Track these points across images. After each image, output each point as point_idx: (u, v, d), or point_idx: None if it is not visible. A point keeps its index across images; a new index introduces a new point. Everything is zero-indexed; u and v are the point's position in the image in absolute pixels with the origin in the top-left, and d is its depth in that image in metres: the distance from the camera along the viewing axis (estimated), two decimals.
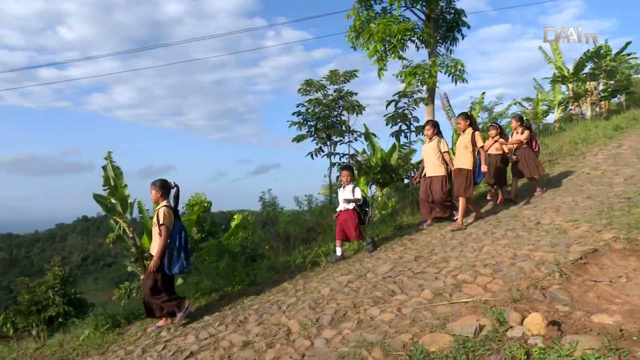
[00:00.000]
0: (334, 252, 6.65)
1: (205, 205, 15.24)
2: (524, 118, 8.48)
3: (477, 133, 6.84)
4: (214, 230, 15.13)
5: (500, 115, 17.02)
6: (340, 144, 11.37)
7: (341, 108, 11.26)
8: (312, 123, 11.07)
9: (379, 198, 11.63)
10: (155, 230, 4.97)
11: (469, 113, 7.17)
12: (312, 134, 11.10)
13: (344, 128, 11.21)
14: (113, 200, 12.37)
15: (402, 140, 11.17)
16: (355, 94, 11.18)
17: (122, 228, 13.13)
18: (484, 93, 16.16)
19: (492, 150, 8.16)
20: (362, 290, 4.55)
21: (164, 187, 5.10)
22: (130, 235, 13.28)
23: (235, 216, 13.74)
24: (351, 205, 6.47)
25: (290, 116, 11.15)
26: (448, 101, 16.82)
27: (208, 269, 7.41)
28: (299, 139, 10.94)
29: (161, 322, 5.06)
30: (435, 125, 7.47)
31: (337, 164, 11.24)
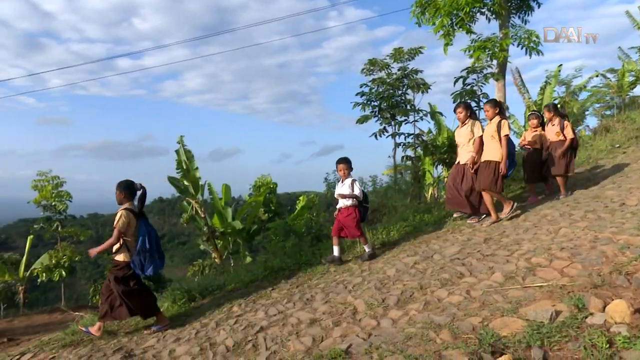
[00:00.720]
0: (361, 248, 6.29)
1: (271, 186, 15.65)
2: (559, 105, 7.77)
3: (504, 121, 6.23)
4: (279, 211, 15.52)
5: (579, 90, 15.84)
6: (404, 124, 11.13)
7: (405, 87, 10.98)
8: (375, 103, 10.90)
9: (445, 179, 11.32)
10: None
11: (497, 100, 6.71)
12: (376, 114, 10.94)
13: (408, 107, 10.94)
14: (186, 183, 13.05)
15: None
16: (420, 71, 10.85)
17: (194, 209, 13.84)
18: (560, 65, 15.09)
19: (533, 143, 7.40)
20: (428, 272, 4.48)
21: (128, 189, 5.01)
22: (202, 216, 13.97)
23: (301, 197, 13.99)
24: (350, 202, 5.99)
25: (354, 97, 11.05)
26: (520, 76, 15.88)
27: (275, 248, 7.64)
28: (362, 119, 10.84)
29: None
30: (467, 107, 6.84)
31: (401, 144, 11.04)
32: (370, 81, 11.01)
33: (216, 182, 14.87)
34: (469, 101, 7.00)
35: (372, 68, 11.14)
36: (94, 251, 5.01)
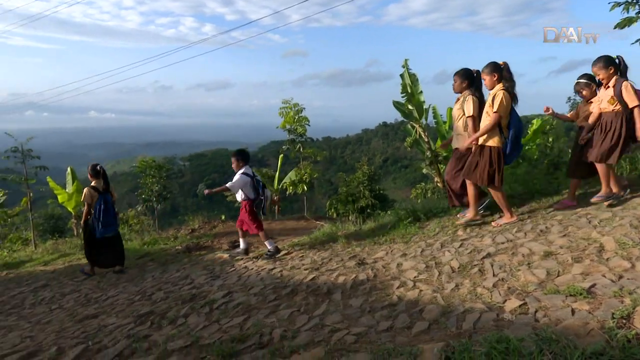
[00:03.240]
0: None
1: None
2: (615, 58, 4.67)
3: (502, 92, 4.71)
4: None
5: None
6: None
7: None
8: None
9: None
10: None
11: (499, 63, 4.83)
12: None
13: None
14: (410, 107, 13.14)
15: None
16: None
17: (418, 133, 13.95)
18: None
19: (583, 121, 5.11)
20: None
21: (93, 170, 6.79)
22: (425, 140, 14.00)
23: (534, 121, 12.59)
24: (239, 196, 5.87)
25: None
26: None
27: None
28: (624, 23, 8.79)
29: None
30: (464, 74, 5.27)
31: None
32: None
33: (441, 106, 14.53)
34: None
35: None
36: (82, 223, 7.03)
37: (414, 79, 13.19)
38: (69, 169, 16.81)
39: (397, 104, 13.59)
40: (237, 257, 6.05)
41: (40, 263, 9.47)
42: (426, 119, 13.81)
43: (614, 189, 4.72)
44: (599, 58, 4.71)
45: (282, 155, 17.59)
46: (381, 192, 15.98)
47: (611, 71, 4.65)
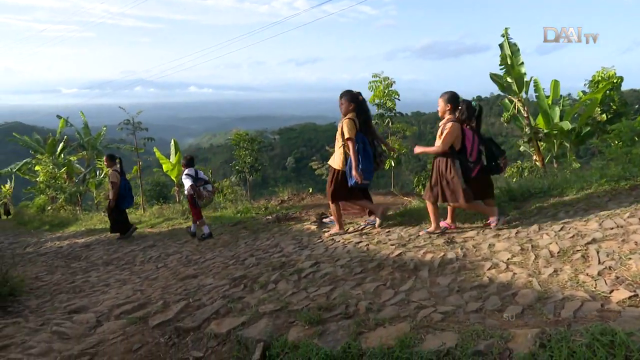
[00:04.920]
0: None
1: (614, 81, 13.04)
2: (458, 97, 4.77)
3: (345, 120, 5.23)
4: (623, 110, 12.96)
5: None
6: None
7: None
8: None
9: None
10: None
11: (352, 91, 5.40)
12: None
13: None
14: (509, 79, 12.32)
15: None
16: None
17: (516, 107, 13.07)
18: None
19: None
20: None
21: (111, 159, 8.97)
22: (525, 115, 13.09)
23: None
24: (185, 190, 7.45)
25: None
26: None
27: (615, 154, 6.49)
28: None
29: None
30: (344, 95, 5.36)
31: None
32: None
33: (543, 78, 13.42)
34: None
35: None
36: (112, 202, 8.75)
37: (514, 49, 12.30)
38: (172, 141, 18.18)
39: (494, 77, 12.81)
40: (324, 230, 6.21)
41: (148, 225, 10.45)
42: (526, 92, 12.87)
43: None
44: (446, 92, 4.83)
45: None
46: None
47: (448, 108, 4.75)
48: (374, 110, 16.97)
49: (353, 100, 5.30)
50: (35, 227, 14.29)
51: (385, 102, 16.85)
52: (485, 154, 4.87)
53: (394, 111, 17.14)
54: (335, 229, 5.64)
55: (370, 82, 16.91)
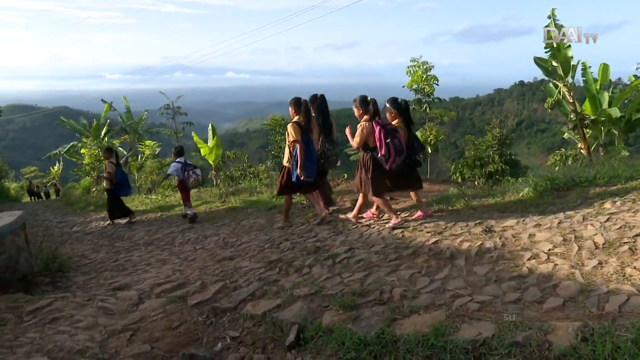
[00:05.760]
0: None
1: None
2: (368, 98, 5.25)
3: (289, 125, 5.69)
4: None
5: None
6: None
7: None
8: None
9: None
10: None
11: (299, 99, 5.86)
12: None
13: None
14: (554, 63, 11.81)
15: None
16: None
17: (561, 92, 12.54)
18: None
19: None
20: None
21: (108, 152, 9.66)
22: (570, 101, 12.56)
23: None
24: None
25: None
26: None
27: None
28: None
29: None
30: (290, 102, 5.95)
31: None
32: None
33: (592, 62, 12.77)
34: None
35: None
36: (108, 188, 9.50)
37: (561, 31, 11.72)
38: (210, 125, 18.49)
39: (538, 61, 12.31)
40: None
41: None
42: (573, 76, 12.31)
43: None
44: (355, 98, 5.41)
45: None
46: (512, 157, 14.85)
47: (360, 111, 5.31)
48: (411, 95, 16.66)
49: (296, 105, 5.83)
50: (81, 208, 14.93)
51: (424, 87, 16.52)
52: (409, 148, 5.29)
53: (431, 96, 16.79)
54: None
55: (407, 67, 16.59)
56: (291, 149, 5.71)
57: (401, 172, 5.27)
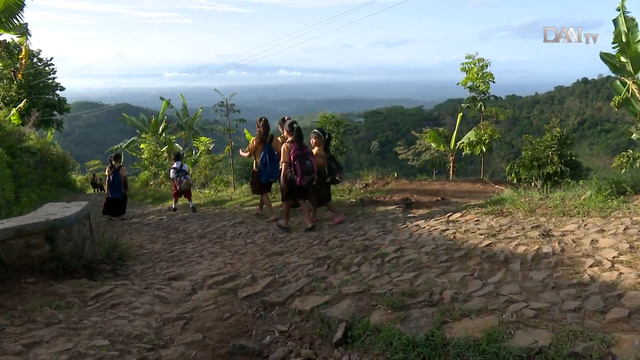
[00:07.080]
0: None
1: None
2: (294, 125, 6.44)
3: (252, 138, 7.94)
4: None
5: None
6: None
7: None
8: None
9: None
10: None
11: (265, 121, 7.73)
12: None
13: None
14: (623, 59, 11.09)
15: None
16: None
17: (630, 90, 11.77)
18: None
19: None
20: None
21: (116, 159, 10.60)
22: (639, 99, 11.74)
23: None
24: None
25: None
26: None
27: None
28: None
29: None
30: (287, 124, 6.74)
31: None
32: None
33: None
34: None
35: None
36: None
37: (631, 24, 11.01)
38: None
39: (605, 56, 11.61)
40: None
41: (238, 203, 11.00)
42: None
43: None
44: (285, 121, 6.95)
45: (461, 114, 16.76)
46: (573, 158, 14.07)
47: (286, 133, 6.73)
48: (465, 93, 16.23)
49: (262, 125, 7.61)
50: (140, 200, 15.67)
51: (479, 85, 16.03)
52: (328, 169, 6.60)
53: (487, 94, 16.27)
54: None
55: (462, 64, 16.16)
56: (255, 157, 7.69)
57: (314, 187, 6.37)
